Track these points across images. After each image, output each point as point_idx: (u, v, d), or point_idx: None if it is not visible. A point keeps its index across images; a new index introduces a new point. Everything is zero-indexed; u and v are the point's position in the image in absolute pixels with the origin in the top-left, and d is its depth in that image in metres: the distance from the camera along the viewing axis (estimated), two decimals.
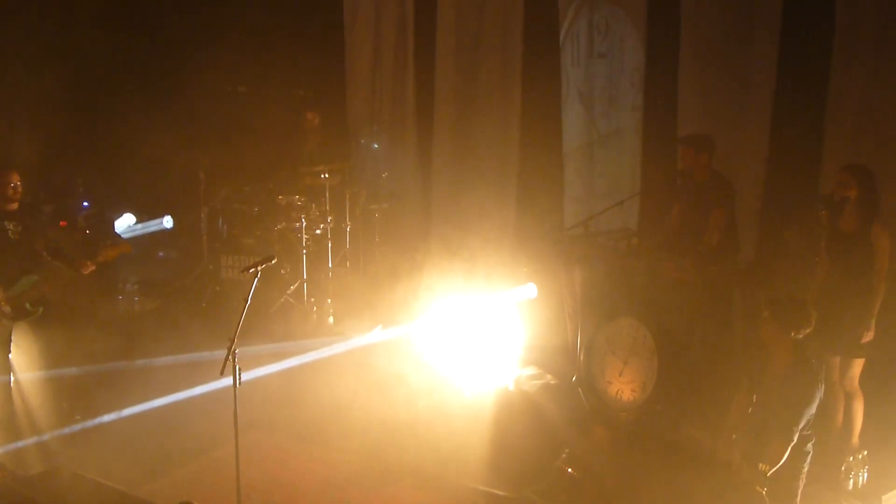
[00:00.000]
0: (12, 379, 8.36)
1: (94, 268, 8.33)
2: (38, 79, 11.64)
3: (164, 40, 12.13)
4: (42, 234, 8.48)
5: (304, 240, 10.61)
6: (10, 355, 8.37)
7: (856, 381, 7.41)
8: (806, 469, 6.45)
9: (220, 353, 6.27)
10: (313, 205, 10.77)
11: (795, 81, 8.99)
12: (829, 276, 7.39)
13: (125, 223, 11.54)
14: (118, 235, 11.11)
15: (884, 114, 8.50)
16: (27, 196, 8.62)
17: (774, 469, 6.25)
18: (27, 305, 8.24)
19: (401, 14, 11.70)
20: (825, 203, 7.49)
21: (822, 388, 6.39)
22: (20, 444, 8.21)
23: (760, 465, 6.25)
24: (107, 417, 8.60)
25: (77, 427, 8.47)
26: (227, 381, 6.31)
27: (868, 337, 7.22)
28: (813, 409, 6.30)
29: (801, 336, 6.37)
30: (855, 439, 7.42)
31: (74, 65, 11.87)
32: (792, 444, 6.26)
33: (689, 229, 8.61)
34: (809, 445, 6.41)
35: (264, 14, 11.91)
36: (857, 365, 7.38)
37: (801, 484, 6.43)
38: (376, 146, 11.73)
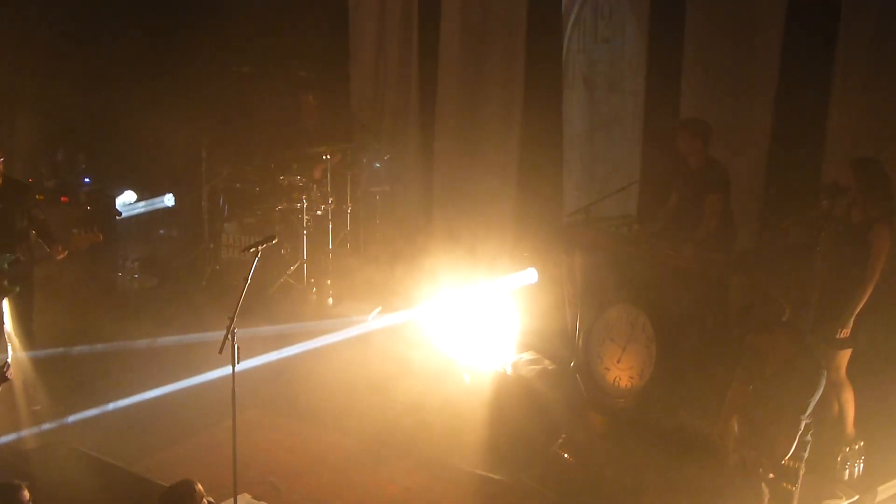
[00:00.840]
0: (10, 356, 8.34)
1: (65, 254, 8.30)
2: (40, 56, 11.63)
3: (169, 19, 12.08)
4: (26, 212, 8.44)
5: (305, 220, 10.60)
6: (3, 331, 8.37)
7: (842, 371, 7.39)
8: (805, 457, 6.46)
9: (219, 333, 6.28)
10: (314, 186, 10.76)
11: (799, 70, 8.97)
12: (828, 266, 7.39)
13: (126, 200, 11.53)
14: (117, 215, 11.08)
15: (886, 103, 8.48)
16: (12, 173, 8.58)
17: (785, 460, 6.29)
18: (5, 283, 8.19)
19: (407, 1, 11.66)
20: (827, 193, 7.48)
21: (826, 374, 6.41)
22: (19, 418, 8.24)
23: (790, 461, 6.26)
24: (105, 395, 8.62)
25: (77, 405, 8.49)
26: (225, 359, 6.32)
27: (843, 334, 7.21)
28: (817, 397, 6.32)
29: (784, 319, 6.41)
30: (849, 429, 7.42)
31: (78, 42, 11.84)
32: (799, 433, 6.28)
33: (687, 216, 8.62)
34: (809, 435, 6.43)
35: None
36: (843, 356, 7.37)
37: (801, 473, 6.44)
38: (378, 165, 11.69)
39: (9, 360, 7.62)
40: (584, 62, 10.64)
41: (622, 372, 8.38)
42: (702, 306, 8.30)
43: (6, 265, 8.13)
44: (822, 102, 8.84)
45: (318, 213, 10.79)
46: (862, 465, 7.22)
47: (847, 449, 7.21)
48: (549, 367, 9.09)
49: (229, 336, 6.23)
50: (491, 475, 7.71)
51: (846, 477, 7.19)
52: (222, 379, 6.65)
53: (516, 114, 10.92)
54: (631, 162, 10.27)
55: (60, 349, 8.84)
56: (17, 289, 8.25)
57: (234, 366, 6.31)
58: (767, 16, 9.10)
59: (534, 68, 10.74)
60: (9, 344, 8.36)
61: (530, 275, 9.68)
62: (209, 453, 7.72)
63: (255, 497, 7.09)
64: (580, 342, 8.73)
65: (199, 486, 5.55)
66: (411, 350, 9.09)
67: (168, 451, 7.93)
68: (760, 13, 9.17)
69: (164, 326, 9.72)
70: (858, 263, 7.16)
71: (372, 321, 9.82)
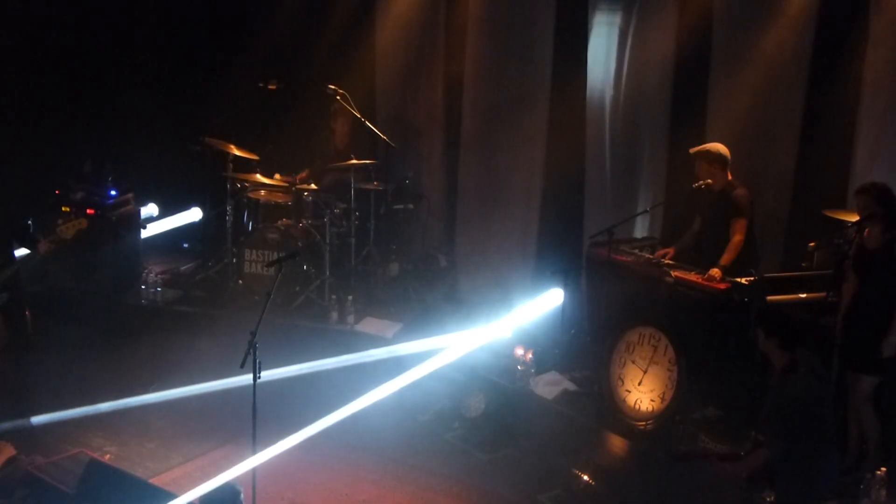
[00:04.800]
0: None
1: (51, 247, 8.34)
2: (70, 68, 11.72)
3: (198, 35, 12.17)
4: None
5: (328, 237, 10.61)
6: None
7: (865, 396, 7.36)
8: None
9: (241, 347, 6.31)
10: (339, 202, 10.78)
11: (825, 97, 8.99)
12: (856, 293, 7.36)
13: (149, 213, 11.59)
14: (142, 228, 11.15)
15: None
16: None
17: None
18: None
19: (433, 18, 11.68)
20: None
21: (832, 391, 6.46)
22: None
23: None
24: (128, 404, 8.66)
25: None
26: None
27: (890, 352, 7.18)
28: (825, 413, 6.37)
29: None
30: (870, 456, 7.38)
31: (108, 57, 11.94)
32: None
33: (711, 240, 8.63)
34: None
35: (297, 9, 11.93)
36: (870, 382, 7.34)
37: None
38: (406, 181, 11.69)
39: None
40: (610, 83, 10.62)
41: (643, 395, 8.36)
42: (724, 330, 8.29)
43: None
44: (848, 127, 8.84)
45: (342, 229, 10.80)
46: (883, 491, 7.15)
47: (868, 475, 7.16)
48: (571, 389, 9.07)
49: (251, 350, 6.26)
50: (509, 495, 7.69)
51: None
52: (242, 393, 6.63)
53: (541, 134, 10.92)
54: (656, 184, 10.26)
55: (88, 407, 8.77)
56: (6, 296, 8.27)
57: (255, 380, 6.33)
58: (794, 49, 9.12)
59: (559, 91, 10.75)
60: None
61: (554, 295, 9.68)
62: (229, 466, 7.70)
63: None
64: (602, 364, 8.71)
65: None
66: (432, 369, 9.06)
67: (189, 465, 7.95)
68: (788, 46, 9.19)
69: (183, 340, 9.74)
70: (886, 284, 7.18)
71: (392, 339, 9.80)
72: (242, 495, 5.73)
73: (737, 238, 8.46)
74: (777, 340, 6.57)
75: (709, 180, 8.69)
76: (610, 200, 10.65)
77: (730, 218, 8.51)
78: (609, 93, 10.49)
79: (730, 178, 8.66)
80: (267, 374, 6.43)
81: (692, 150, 8.78)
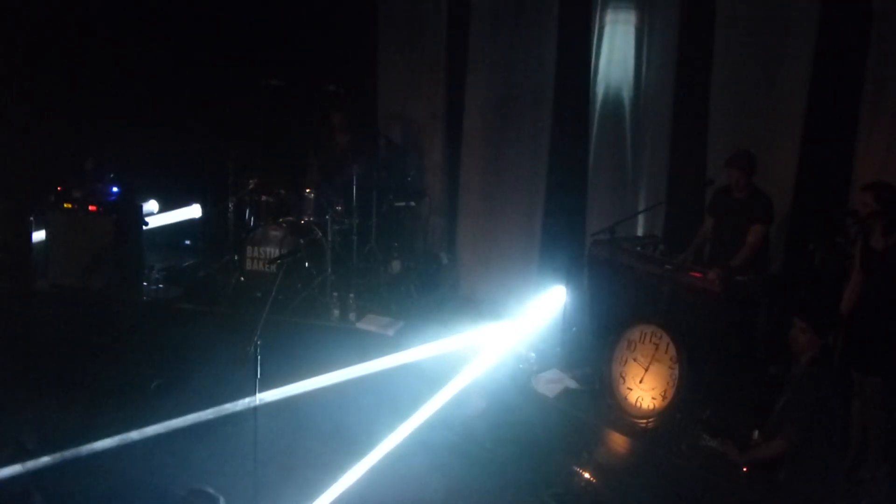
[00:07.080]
0: None
1: None
2: (70, 64, 11.73)
3: (199, 32, 12.16)
4: None
5: (330, 234, 10.61)
6: None
7: (874, 397, 7.36)
8: None
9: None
10: (341, 199, 10.78)
11: (827, 97, 8.98)
12: (862, 292, 7.34)
13: (149, 209, 11.59)
14: (144, 225, 11.13)
15: None
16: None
17: None
18: None
19: (435, 17, 11.67)
20: (854, 217, 7.49)
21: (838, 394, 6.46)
22: None
23: None
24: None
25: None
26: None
27: None
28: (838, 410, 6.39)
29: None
30: (872, 454, 7.38)
31: (107, 53, 11.94)
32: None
33: (727, 243, 8.61)
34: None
35: (299, 8, 11.94)
36: (876, 383, 7.33)
37: None
38: (409, 179, 11.69)
39: None
40: (629, 83, 10.59)
41: (645, 392, 8.36)
42: (726, 329, 8.29)
43: None
44: (850, 128, 8.82)
45: (344, 226, 10.80)
46: (884, 489, 7.17)
47: (870, 475, 7.17)
48: (572, 387, 9.07)
49: (252, 348, 6.27)
50: (512, 493, 7.70)
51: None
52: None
53: (544, 131, 10.91)
54: (657, 182, 10.25)
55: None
56: None
57: (256, 377, 6.34)
58: (796, 47, 9.11)
59: (563, 88, 10.75)
60: None
61: (556, 293, 9.68)
62: (227, 463, 7.70)
63: None
64: (603, 362, 8.71)
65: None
66: (433, 367, 9.07)
67: (189, 460, 7.96)
68: (789, 45, 9.17)
69: (186, 343, 9.75)
70: (889, 284, 7.16)
71: (395, 338, 9.80)
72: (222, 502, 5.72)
73: (756, 244, 8.46)
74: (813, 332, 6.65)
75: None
76: (613, 199, 10.62)
77: (751, 223, 8.51)
78: (628, 94, 10.42)
79: None
80: (271, 394, 6.45)
81: (730, 162, 8.68)
